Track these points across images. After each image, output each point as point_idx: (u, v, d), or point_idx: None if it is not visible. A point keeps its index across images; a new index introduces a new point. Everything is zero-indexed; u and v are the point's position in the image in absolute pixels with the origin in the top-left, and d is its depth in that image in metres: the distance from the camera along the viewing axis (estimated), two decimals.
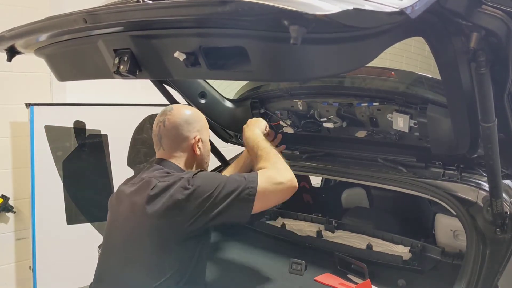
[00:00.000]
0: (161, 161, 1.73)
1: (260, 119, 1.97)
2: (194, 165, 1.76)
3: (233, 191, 1.52)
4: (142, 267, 1.55)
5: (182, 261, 1.56)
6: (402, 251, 2.06)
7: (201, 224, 1.52)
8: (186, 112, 1.74)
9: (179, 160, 1.72)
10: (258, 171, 1.63)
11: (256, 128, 1.89)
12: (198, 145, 1.73)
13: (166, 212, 1.50)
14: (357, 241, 2.19)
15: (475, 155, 1.71)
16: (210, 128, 2.52)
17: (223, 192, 1.51)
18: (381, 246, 2.12)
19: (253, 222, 2.51)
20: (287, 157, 2.44)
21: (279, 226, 2.45)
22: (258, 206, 1.54)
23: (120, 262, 1.62)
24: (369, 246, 2.09)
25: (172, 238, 1.53)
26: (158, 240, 1.53)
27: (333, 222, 2.37)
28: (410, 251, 2.04)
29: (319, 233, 2.30)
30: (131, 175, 1.83)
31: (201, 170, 1.66)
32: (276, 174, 1.62)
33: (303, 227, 2.43)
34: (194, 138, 1.72)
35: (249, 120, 1.96)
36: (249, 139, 1.85)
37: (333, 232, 2.34)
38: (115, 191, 1.82)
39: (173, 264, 1.54)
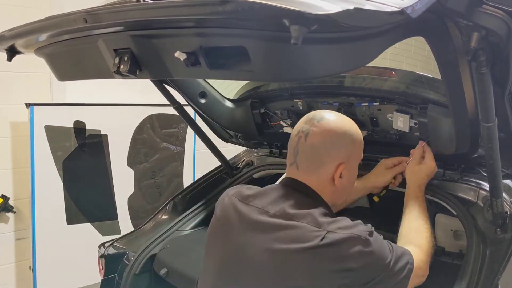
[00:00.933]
0: (301, 185, 1.36)
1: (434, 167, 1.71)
2: (329, 197, 1.40)
3: (405, 266, 1.28)
4: None
5: None
6: None
7: None
8: (337, 127, 1.37)
9: (318, 188, 1.37)
10: (414, 251, 1.38)
11: (425, 181, 1.68)
12: (340, 174, 1.36)
13: (332, 276, 1.20)
14: None
15: (476, 155, 1.71)
16: (210, 128, 2.54)
17: (397, 265, 1.27)
18: None
19: None
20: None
21: None
22: None
23: None
24: None
25: None
26: None
27: None
28: None
29: None
30: (253, 191, 1.43)
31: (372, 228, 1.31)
32: (424, 265, 1.40)
33: None
34: (338, 166, 1.36)
35: (423, 166, 1.70)
36: (414, 191, 1.66)
37: None
38: (225, 202, 1.44)
39: None
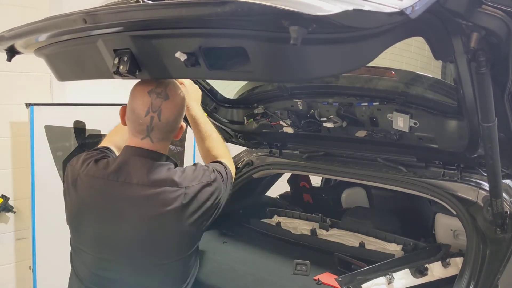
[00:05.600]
0: (151, 153, 1.53)
1: (198, 88, 1.95)
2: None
3: (229, 180, 1.65)
4: (166, 276, 1.54)
5: (196, 264, 1.63)
6: (394, 249, 2.08)
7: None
8: (180, 98, 1.55)
9: (161, 148, 1.57)
10: (224, 160, 1.75)
11: (199, 103, 1.89)
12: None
13: (199, 220, 1.51)
14: (351, 239, 2.21)
15: (476, 155, 1.71)
16: None
17: (228, 184, 1.63)
18: (374, 244, 2.14)
19: (248, 220, 2.52)
20: (288, 157, 2.47)
21: (274, 224, 2.46)
22: None
23: (131, 271, 1.54)
24: (362, 244, 2.10)
25: (197, 243, 1.60)
26: (188, 248, 1.56)
27: (328, 220, 2.39)
28: (402, 249, 2.06)
29: (313, 231, 2.32)
30: (112, 165, 1.55)
31: (219, 163, 1.70)
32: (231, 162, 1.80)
33: (298, 225, 2.45)
34: (181, 126, 1.61)
35: (188, 90, 1.81)
36: (199, 115, 1.84)
37: (327, 230, 2.36)
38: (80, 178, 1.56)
39: (193, 269, 1.61)
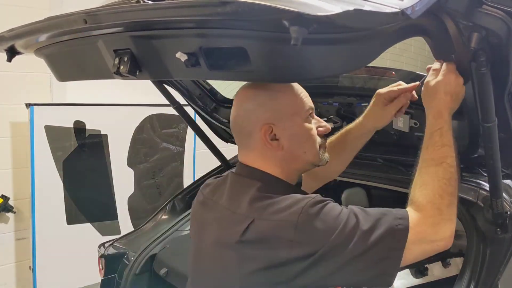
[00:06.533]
0: (242, 167, 1.29)
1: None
2: (286, 166, 1.26)
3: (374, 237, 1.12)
4: None
5: None
6: None
7: None
8: (245, 92, 1.30)
9: (261, 163, 1.26)
10: (410, 210, 1.18)
11: (445, 104, 1.25)
12: (273, 136, 1.23)
13: (261, 271, 1.10)
14: None
15: (476, 155, 1.71)
16: (210, 128, 2.53)
17: (354, 240, 1.11)
18: None
19: None
20: None
21: None
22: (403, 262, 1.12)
23: None
24: None
25: None
26: None
27: None
28: None
29: None
30: (217, 175, 1.44)
31: (322, 200, 1.18)
32: (433, 226, 1.13)
33: None
34: (262, 129, 1.22)
35: (447, 79, 1.24)
36: (430, 122, 1.28)
37: None
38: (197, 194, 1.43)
39: None
